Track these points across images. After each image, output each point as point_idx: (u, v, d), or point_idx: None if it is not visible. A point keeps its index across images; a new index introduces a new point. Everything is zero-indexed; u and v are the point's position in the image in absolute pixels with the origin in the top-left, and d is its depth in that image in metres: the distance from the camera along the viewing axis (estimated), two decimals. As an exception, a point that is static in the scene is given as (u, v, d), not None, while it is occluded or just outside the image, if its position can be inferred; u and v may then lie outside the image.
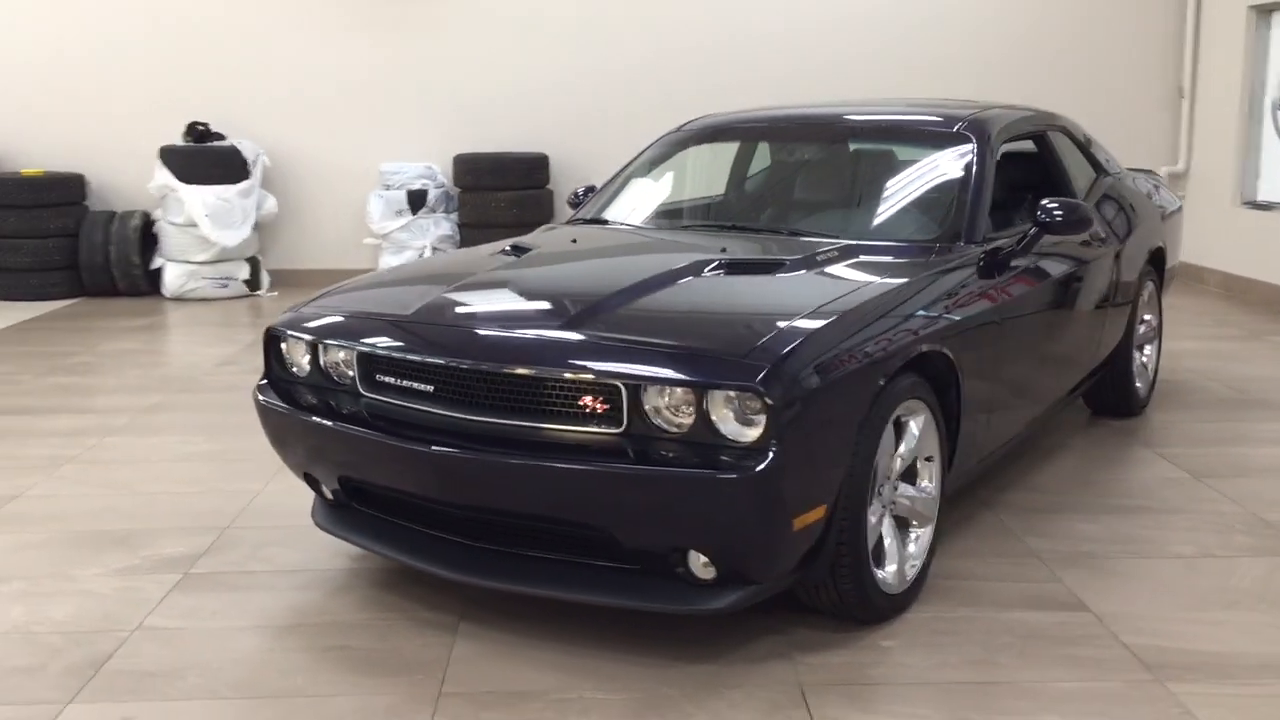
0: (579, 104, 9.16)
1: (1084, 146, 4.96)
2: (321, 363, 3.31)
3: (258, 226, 9.02)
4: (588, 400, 2.85)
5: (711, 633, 3.09)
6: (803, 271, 3.38)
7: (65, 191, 8.98)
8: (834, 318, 2.97)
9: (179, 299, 8.79)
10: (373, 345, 3.15)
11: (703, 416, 2.74)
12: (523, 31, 9.15)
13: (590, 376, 2.82)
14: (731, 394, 2.71)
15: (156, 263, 8.96)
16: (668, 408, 2.78)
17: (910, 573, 3.26)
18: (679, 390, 2.75)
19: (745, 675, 2.89)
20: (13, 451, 4.85)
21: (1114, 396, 5.13)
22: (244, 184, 8.88)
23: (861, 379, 2.91)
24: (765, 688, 2.83)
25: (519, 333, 3.02)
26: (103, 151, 9.26)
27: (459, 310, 3.23)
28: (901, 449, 3.20)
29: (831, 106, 4.61)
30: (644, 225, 4.21)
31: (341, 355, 3.26)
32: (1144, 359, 5.40)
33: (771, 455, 2.65)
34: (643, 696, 2.80)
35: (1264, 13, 8.56)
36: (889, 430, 3.09)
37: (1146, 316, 5.37)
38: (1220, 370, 6.15)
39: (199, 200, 8.66)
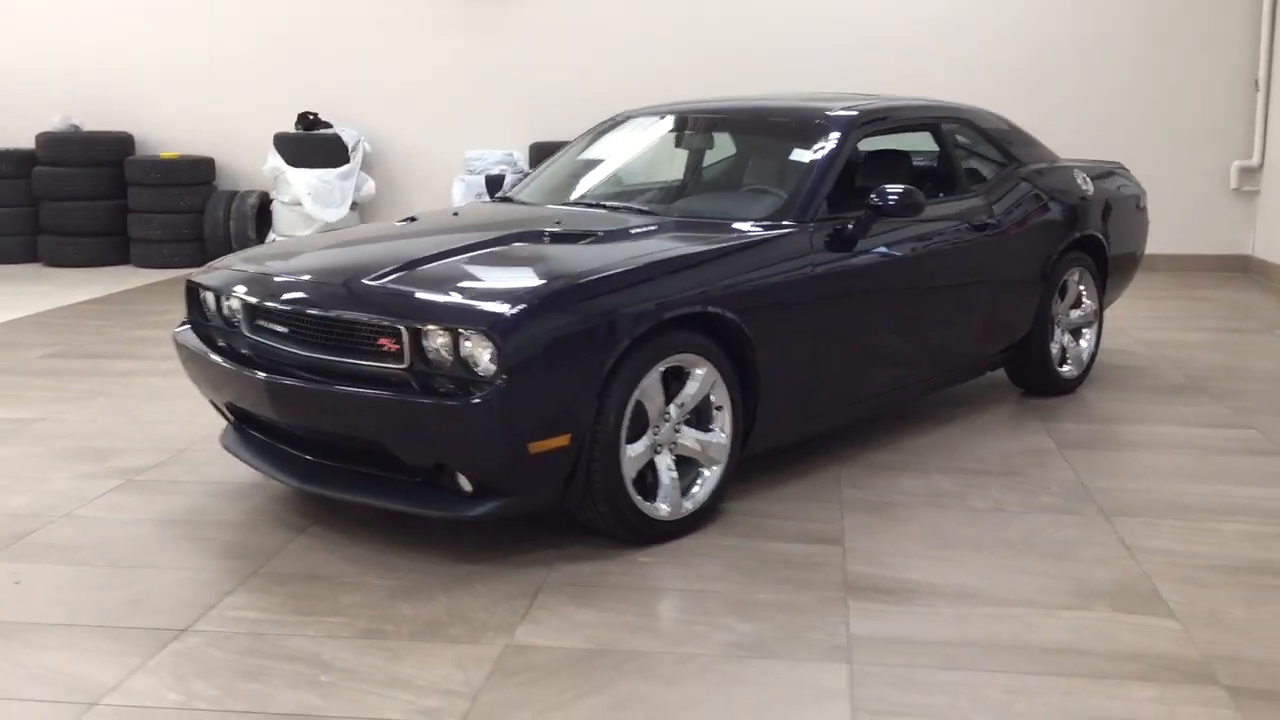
0: (644, 97, 9.72)
1: (993, 139, 5.27)
2: (223, 310, 4.05)
3: (356, 206, 9.96)
4: (385, 341, 3.48)
5: (499, 541, 3.69)
6: (605, 242, 3.93)
7: (196, 172, 10.13)
8: (591, 278, 3.52)
9: (284, 270, 9.80)
10: (250, 295, 3.86)
11: (457, 355, 3.34)
12: (594, 32, 9.80)
13: (384, 321, 3.46)
14: (472, 336, 3.30)
15: (270, 237, 10.00)
16: (441, 348, 3.39)
17: (689, 505, 3.76)
18: (443, 333, 3.36)
19: (500, 574, 3.48)
20: (65, 385, 5.81)
21: (1034, 376, 5.43)
22: (344, 167, 9.83)
23: (607, 331, 3.43)
24: (509, 584, 3.41)
25: (340, 284, 3.67)
26: (230, 137, 10.38)
27: (312, 265, 3.91)
28: (682, 396, 3.71)
29: (726, 101, 5.10)
30: (531, 202, 4.82)
31: (234, 303, 3.98)
32: (1083, 343, 5.66)
33: (497, 387, 3.23)
34: (407, 584, 3.42)
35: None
36: (655, 377, 3.60)
37: (1085, 302, 5.63)
38: (1193, 359, 6.30)
39: (303, 181, 9.66)
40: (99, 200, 10.08)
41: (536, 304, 3.36)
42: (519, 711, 2.71)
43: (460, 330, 3.31)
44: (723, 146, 5.01)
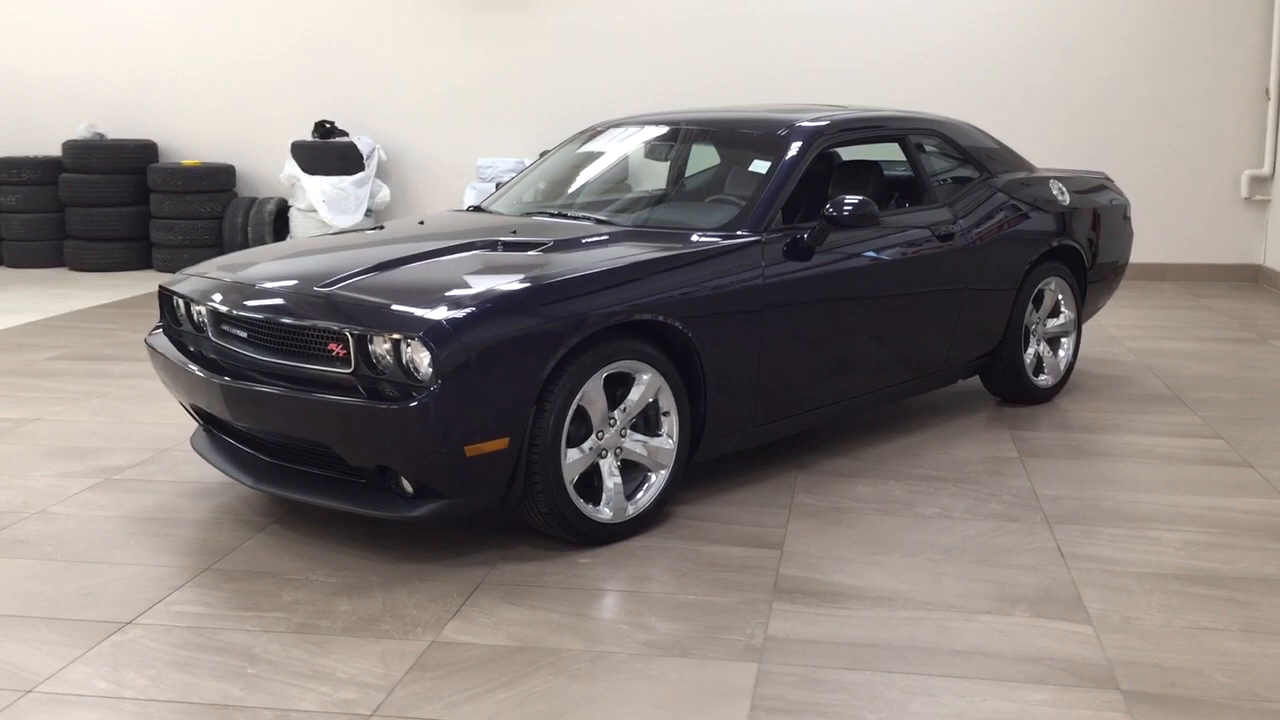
0: (655, 106, 9.83)
1: (966, 150, 5.32)
2: (193, 316, 4.20)
3: (371, 212, 10.14)
4: (334, 346, 3.61)
5: (447, 540, 3.81)
6: (554, 251, 4.03)
7: (217, 179, 10.36)
8: (531, 286, 3.63)
9: (299, 275, 10.01)
10: (214, 302, 4.00)
11: (399, 361, 3.46)
12: (598, 42, 9.92)
13: (332, 327, 3.58)
14: (408, 342, 3.41)
15: (287, 243, 10.20)
16: (385, 354, 3.51)
17: (633, 509, 3.86)
18: (386, 339, 3.48)
19: (442, 573, 3.59)
20: (64, 386, 6.00)
21: (1008, 385, 5.48)
22: (359, 175, 10.02)
23: (544, 338, 3.53)
24: (449, 582, 3.53)
25: (294, 292, 3.80)
26: (250, 145, 10.60)
27: (274, 273, 4.04)
28: (626, 402, 3.81)
29: (699, 112, 5.19)
30: (501, 212, 4.93)
31: (201, 309, 4.13)
32: (1060, 353, 5.70)
33: (431, 392, 3.35)
34: (351, 581, 3.54)
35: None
36: (598, 383, 3.70)
37: (1063, 312, 5.66)
38: (1178, 368, 6.31)
39: (318, 189, 9.85)
40: (123, 206, 10.34)
41: (472, 312, 3.47)
42: (429, 704, 2.82)
43: (400, 337, 3.43)
44: (691, 157, 5.11)
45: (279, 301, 3.78)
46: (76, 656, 3.06)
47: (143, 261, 10.41)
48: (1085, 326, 7.17)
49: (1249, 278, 9.49)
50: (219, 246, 10.21)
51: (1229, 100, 9.36)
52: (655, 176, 5.13)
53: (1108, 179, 6.20)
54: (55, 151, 10.56)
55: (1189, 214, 9.53)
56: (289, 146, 10.10)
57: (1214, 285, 9.31)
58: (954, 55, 9.55)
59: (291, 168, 10.02)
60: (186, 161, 10.46)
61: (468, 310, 3.47)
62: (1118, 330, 7.37)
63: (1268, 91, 9.28)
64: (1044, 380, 5.59)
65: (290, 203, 10.24)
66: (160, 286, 4.35)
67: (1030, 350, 5.49)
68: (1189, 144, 9.46)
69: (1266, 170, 9.31)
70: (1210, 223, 9.51)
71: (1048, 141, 9.32)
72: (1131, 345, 6.93)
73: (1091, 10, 9.41)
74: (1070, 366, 5.74)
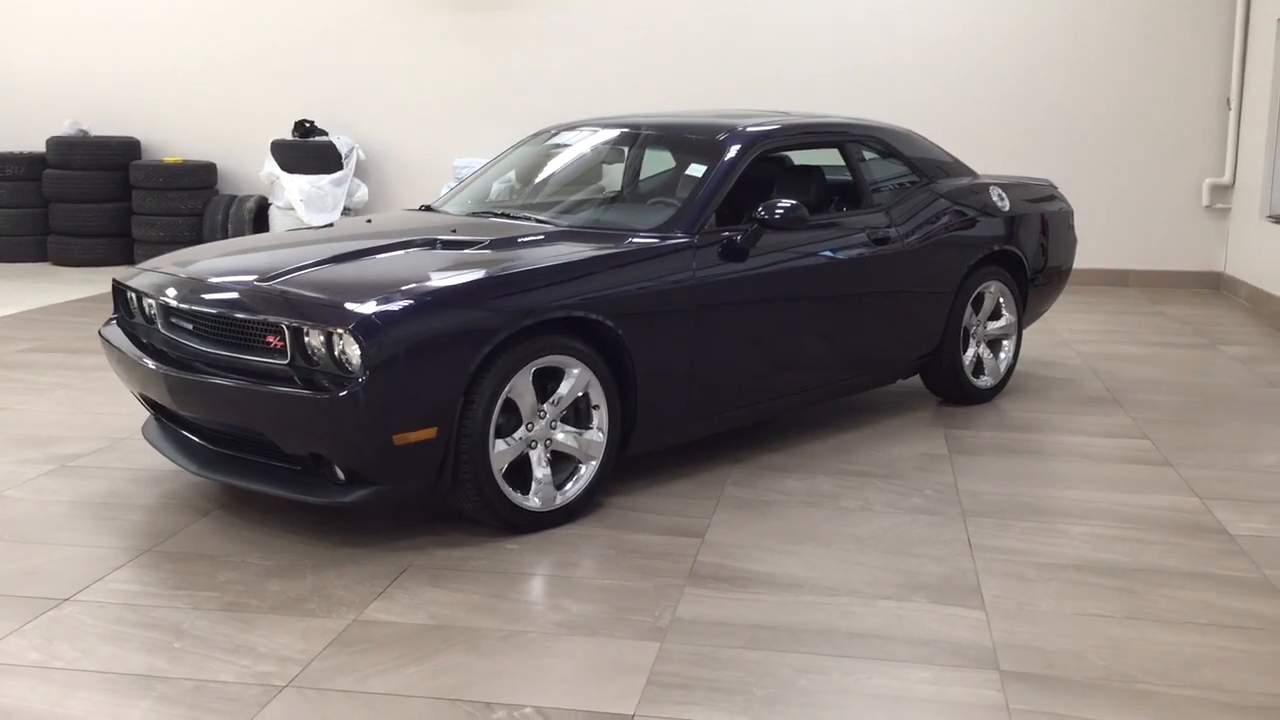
0: (633, 107, 10.00)
1: (906, 157, 5.48)
2: (144, 308, 4.35)
3: (349, 211, 10.29)
4: (272, 338, 3.76)
5: (380, 526, 3.96)
6: (488, 249, 4.19)
7: (198, 177, 10.52)
8: (460, 282, 3.79)
9: (276, 272, 10.16)
10: (163, 295, 4.15)
11: (331, 353, 3.61)
12: (578, 44, 10.08)
13: (270, 320, 3.74)
14: (339, 335, 3.57)
15: (266, 240, 10.35)
16: (319, 345, 3.66)
17: (561, 499, 4.01)
18: (319, 332, 3.63)
19: (372, 557, 3.74)
20: (33, 377, 6.15)
21: (947, 385, 5.63)
22: (337, 174, 10.18)
23: (471, 333, 3.69)
24: (378, 565, 3.68)
25: (238, 286, 3.95)
26: (231, 143, 10.77)
27: (222, 268, 4.19)
28: (556, 396, 3.96)
29: (647, 115, 5.35)
30: (447, 211, 5.09)
31: (151, 302, 4.28)
32: (1001, 355, 5.85)
33: (359, 382, 3.50)
34: (284, 564, 3.70)
35: (1290, 26, 8.56)
36: (527, 377, 3.85)
37: (1004, 315, 5.82)
38: (1121, 372, 6.47)
39: (296, 187, 10.01)
40: (105, 202, 10.50)
41: (403, 306, 3.62)
42: (343, 676, 2.97)
43: (332, 329, 3.58)
44: (643, 160, 5.25)
45: (223, 295, 3.93)
46: (12, 630, 3.21)
47: (124, 257, 10.56)
48: (1037, 330, 7.35)
49: (1210, 285, 9.65)
50: (200, 243, 10.34)
51: (1190, 109, 9.52)
52: (606, 178, 5.28)
53: (1053, 186, 6.36)
54: (40, 147, 10.71)
55: (1151, 221, 9.70)
56: (269, 145, 10.26)
57: (1175, 292, 9.47)
58: (921, 65, 9.72)
59: (271, 166, 10.18)
60: (168, 159, 10.62)
61: (397, 305, 3.62)
62: (1070, 334, 7.53)
63: (1229, 101, 9.44)
64: (984, 381, 5.75)
65: (270, 200, 10.39)
66: (114, 280, 4.51)
67: (970, 352, 5.65)
68: (1151, 152, 9.62)
69: (1227, 179, 9.47)
70: (1172, 230, 9.68)
71: (1010, 150, 9.48)
72: (1080, 349, 7.09)
73: (1054, 20, 9.57)
74: (1010, 368, 5.89)
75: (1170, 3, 9.42)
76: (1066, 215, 6.23)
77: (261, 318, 3.74)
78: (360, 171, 10.46)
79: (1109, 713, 2.82)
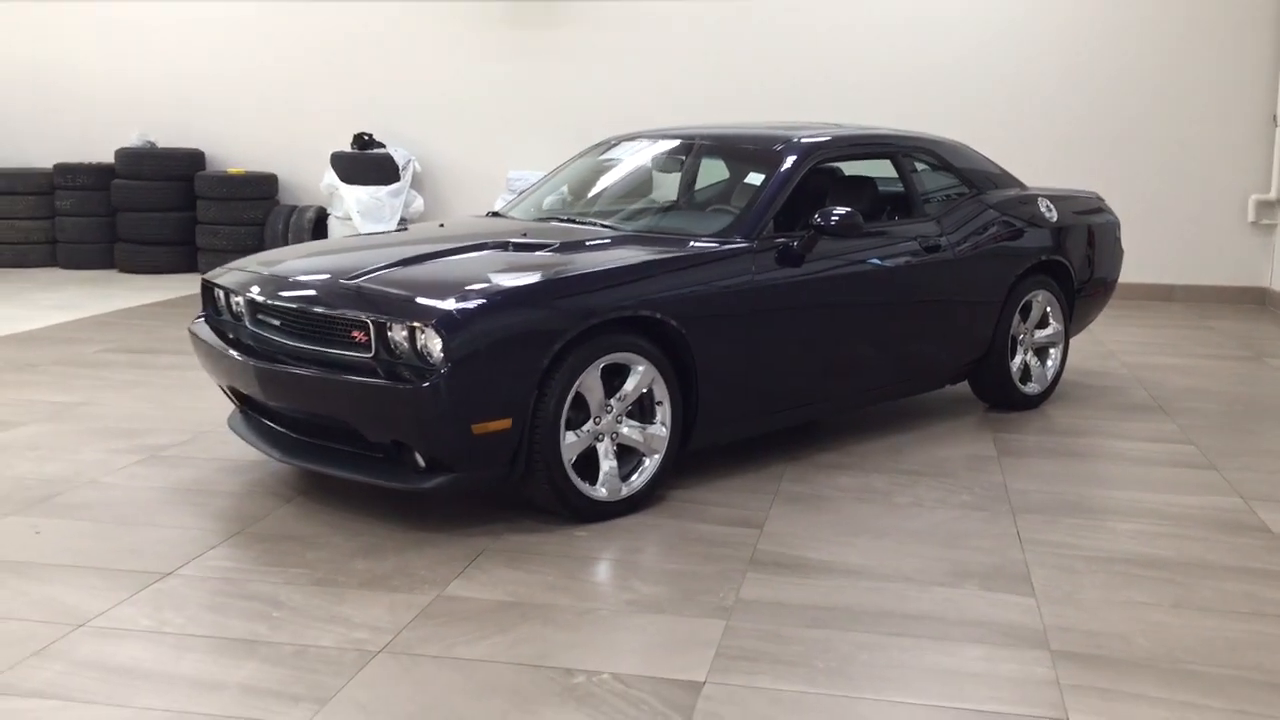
0: (682, 120, 10.22)
1: (957, 168, 5.65)
2: (232, 305, 4.60)
3: (405, 221, 10.56)
4: (357, 333, 4.00)
5: (456, 512, 4.18)
6: (558, 252, 4.41)
7: (260, 187, 10.84)
8: (534, 282, 4.00)
9: (335, 280, 10.45)
10: (252, 292, 4.40)
11: (414, 347, 3.84)
12: (626, 59, 10.33)
13: (356, 315, 3.97)
14: (422, 329, 3.80)
15: (325, 249, 10.64)
16: (402, 340, 3.89)
17: (627, 490, 4.21)
18: (403, 326, 3.86)
19: (450, 540, 3.96)
20: (111, 375, 6.43)
21: (995, 391, 5.79)
22: (394, 185, 10.46)
23: (545, 329, 3.90)
24: (456, 548, 3.89)
25: (324, 284, 4.19)
26: (293, 154, 11.08)
27: (307, 268, 4.43)
28: (622, 391, 4.17)
29: (706, 127, 5.56)
30: (514, 216, 5.32)
31: (239, 299, 4.53)
32: (1048, 362, 6.00)
33: (442, 374, 3.73)
34: (367, 545, 3.92)
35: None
36: (595, 373, 4.06)
37: (1052, 324, 5.97)
38: (1166, 381, 6.59)
39: (353, 198, 10.30)
40: (171, 212, 10.84)
41: (482, 303, 3.85)
42: (430, 644, 3.18)
43: (415, 324, 3.81)
44: (699, 169, 5.47)
45: (309, 293, 4.17)
46: (123, 599, 3.45)
47: (188, 265, 10.89)
48: (1084, 341, 7.49)
49: (1255, 300, 9.73)
50: (260, 252, 10.65)
51: (1237, 126, 9.62)
52: (664, 187, 5.50)
53: (1100, 199, 6.51)
54: (109, 158, 11.07)
55: (1197, 236, 9.80)
56: (329, 157, 10.56)
57: (1220, 307, 9.56)
58: (962, 81, 9.88)
59: (330, 177, 10.48)
60: (232, 170, 10.95)
61: (477, 302, 3.84)
62: (1116, 346, 7.66)
63: (1275, 118, 9.53)
64: (1031, 388, 5.90)
65: (329, 210, 10.69)
66: (203, 278, 4.76)
67: (1017, 359, 5.80)
68: (1197, 168, 9.73)
69: (1273, 195, 9.56)
70: (1217, 245, 9.77)
71: (1053, 163, 9.62)
72: (1126, 360, 7.22)
73: (1099, 34, 9.71)
74: (1057, 376, 6.04)
75: (1217, 19, 9.53)
76: (1113, 227, 6.38)
77: (347, 313, 3.97)
78: (416, 183, 10.74)
79: (1154, 688, 2.98)
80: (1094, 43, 9.73)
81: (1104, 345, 7.66)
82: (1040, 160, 9.40)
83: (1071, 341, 6.32)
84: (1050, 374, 6.00)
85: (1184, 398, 6.21)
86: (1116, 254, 6.44)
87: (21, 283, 10.08)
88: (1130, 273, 8.87)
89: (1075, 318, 6.15)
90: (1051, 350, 6.02)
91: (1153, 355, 7.40)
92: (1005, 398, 5.80)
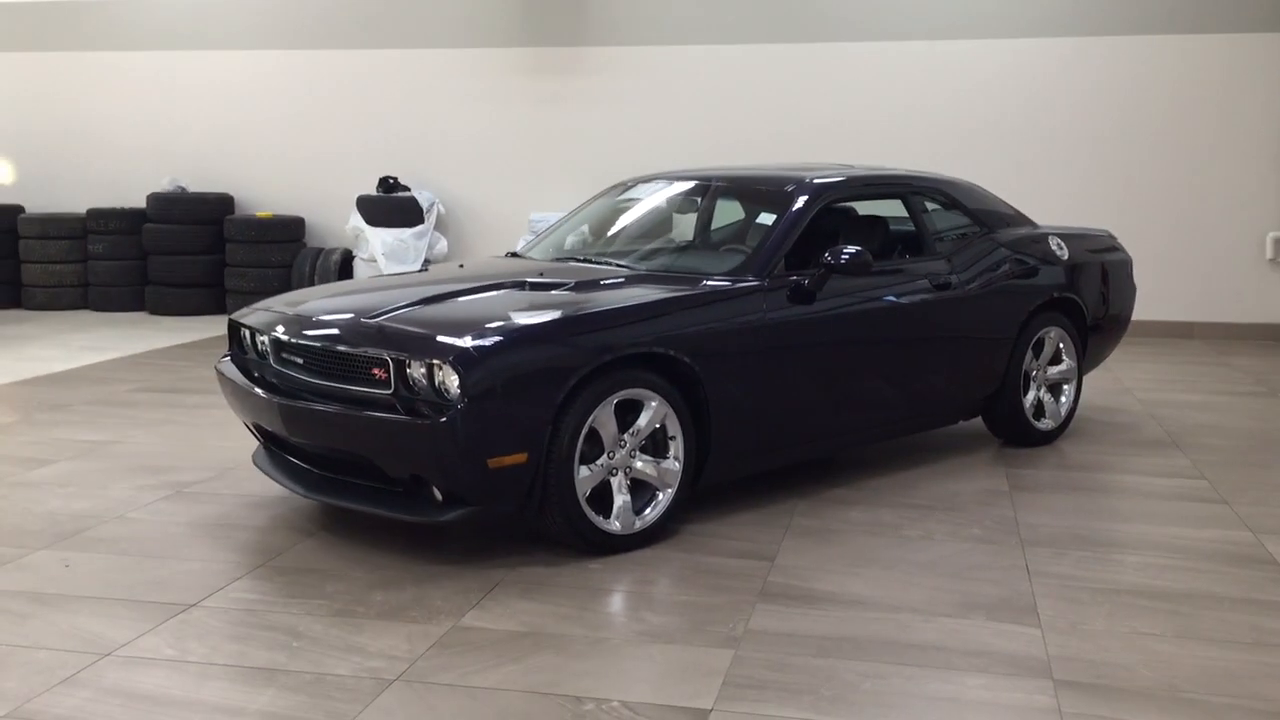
0: (701, 163, 10.38)
1: (967, 207, 5.74)
2: (257, 344, 4.72)
3: (429, 263, 10.72)
4: (377, 370, 4.11)
5: (473, 545, 4.27)
6: (573, 291, 4.52)
7: (287, 230, 11.03)
8: (549, 320, 4.11)
9: (360, 321, 10.62)
10: (276, 332, 4.52)
11: (432, 383, 3.95)
12: (646, 104, 10.51)
13: (375, 352, 4.08)
14: (440, 366, 3.91)
15: (350, 291, 10.81)
16: (421, 376, 4.00)
17: (640, 523, 4.30)
18: (421, 363, 3.97)
19: (466, 572, 4.05)
20: (141, 414, 6.58)
21: (1008, 427, 5.85)
22: (419, 227, 10.63)
23: (559, 366, 4.01)
24: (471, 580, 3.98)
25: (345, 323, 4.31)
26: (319, 197, 11.29)
27: (329, 308, 4.56)
28: (635, 426, 4.26)
29: (719, 168, 5.69)
30: (532, 257, 5.44)
31: (264, 338, 4.65)
32: (1062, 399, 6.06)
33: (458, 409, 3.83)
34: (386, 577, 4.01)
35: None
36: (609, 408, 4.16)
37: (1065, 360, 6.03)
38: (1180, 417, 6.63)
39: (379, 240, 10.48)
40: (200, 255, 11.04)
41: (498, 341, 3.96)
42: (446, 672, 3.27)
43: (434, 361, 3.92)
44: (713, 210, 5.59)
45: (331, 331, 4.29)
46: (147, 630, 3.55)
47: (217, 306, 11.07)
48: (1099, 378, 7.52)
49: (1274, 337, 9.74)
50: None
51: (1255, 164, 9.68)
52: (681, 227, 5.61)
53: (1112, 237, 6.57)
54: (140, 203, 11.30)
55: (1216, 274, 9.84)
56: (354, 200, 10.75)
57: (1239, 344, 9.57)
58: (974, 120, 9.98)
59: (356, 220, 10.66)
60: (260, 213, 11.16)
61: (493, 339, 3.96)
62: (1132, 382, 7.69)
63: (1292, 157, 9.57)
64: (1045, 424, 5.95)
65: (354, 252, 10.87)
66: (230, 318, 4.89)
67: (1030, 395, 5.86)
68: (1216, 207, 9.78)
69: (1292, 233, 9.59)
70: (1237, 283, 9.80)
71: (1070, 202, 9.69)
72: (1142, 396, 7.25)
73: (1114, 75, 9.80)
74: (1071, 412, 6.09)
75: (1235, 57, 9.61)
76: (1125, 265, 6.44)
77: (367, 351, 4.08)
78: (440, 225, 10.92)
79: (1155, 717, 3.03)
80: (1108, 85, 9.81)
81: (1121, 381, 7.70)
82: (1056, 203, 9.47)
83: (1088, 378, 6.36)
84: (1064, 410, 6.05)
85: (1198, 433, 6.24)
86: (1129, 291, 6.50)
87: (54, 324, 10.29)
88: (1150, 310, 8.91)
89: (1089, 354, 6.21)
90: (1065, 386, 6.08)
91: (1168, 392, 7.43)
92: (1019, 433, 5.86)
